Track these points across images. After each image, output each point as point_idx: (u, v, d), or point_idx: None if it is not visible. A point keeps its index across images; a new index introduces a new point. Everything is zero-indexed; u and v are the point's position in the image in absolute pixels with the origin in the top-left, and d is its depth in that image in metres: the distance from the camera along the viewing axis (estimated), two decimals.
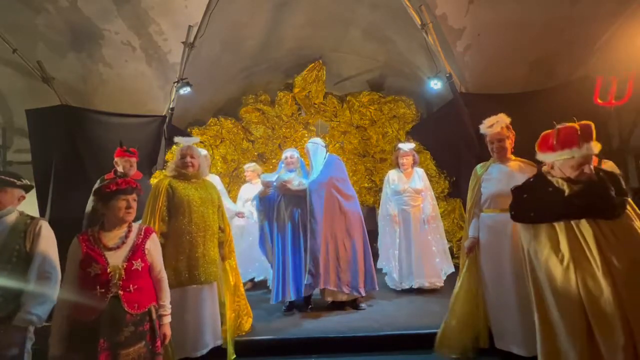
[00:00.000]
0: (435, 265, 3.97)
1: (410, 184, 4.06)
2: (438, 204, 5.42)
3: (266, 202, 3.59)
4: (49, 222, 3.74)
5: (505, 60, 4.32)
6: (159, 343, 1.84)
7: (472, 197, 2.73)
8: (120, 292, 1.75)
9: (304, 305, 3.52)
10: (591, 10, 3.87)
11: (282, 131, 6.08)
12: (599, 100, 3.56)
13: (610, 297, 1.65)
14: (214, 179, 3.97)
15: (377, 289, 3.58)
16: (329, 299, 3.45)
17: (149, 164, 4.88)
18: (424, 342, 2.76)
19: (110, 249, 1.80)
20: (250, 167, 4.86)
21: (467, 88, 4.58)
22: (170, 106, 4.76)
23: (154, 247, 1.94)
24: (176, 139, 2.97)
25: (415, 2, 4.05)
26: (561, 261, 1.78)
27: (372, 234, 4.02)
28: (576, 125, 1.85)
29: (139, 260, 1.83)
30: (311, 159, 3.64)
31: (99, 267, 1.74)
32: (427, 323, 3.02)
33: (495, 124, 2.63)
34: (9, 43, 3.91)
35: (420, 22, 4.10)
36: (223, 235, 2.82)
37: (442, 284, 3.96)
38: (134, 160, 3.57)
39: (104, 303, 1.72)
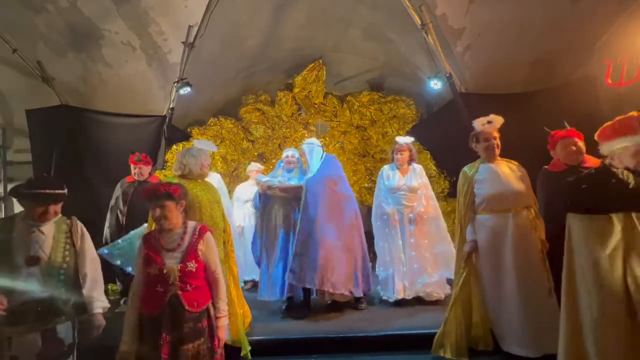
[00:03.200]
0: (431, 274, 3.51)
1: (406, 181, 3.66)
2: (438, 204, 5.44)
3: (265, 201, 3.59)
4: None
5: (505, 60, 4.31)
6: (216, 341, 1.90)
7: (465, 201, 2.68)
8: (179, 292, 1.83)
9: (304, 305, 3.51)
10: (591, 10, 3.87)
11: (282, 131, 6.08)
12: (610, 81, 3.57)
13: None
14: (215, 178, 3.98)
15: (372, 288, 3.57)
16: (328, 300, 3.44)
17: None
18: (424, 342, 2.76)
19: (168, 250, 1.89)
20: (256, 167, 4.84)
21: (467, 88, 4.58)
22: (170, 106, 4.76)
23: (207, 248, 1.96)
24: (198, 143, 3.05)
25: (415, 2, 4.05)
26: (610, 253, 1.72)
27: (370, 234, 3.93)
28: (635, 113, 1.79)
29: (193, 261, 1.88)
30: (308, 160, 3.62)
31: (157, 268, 1.84)
32: (427, 323, 3.01)
33: (494, 122, 2.63)
34: (9, 43, 3.91)
35: (420, 22, 4.10)
36: (225, 235, 2.84)
37: (442, 296, 3.49)
38: (140, 166, 3.80)
39: (164, 300, 1.82)
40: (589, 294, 1.75)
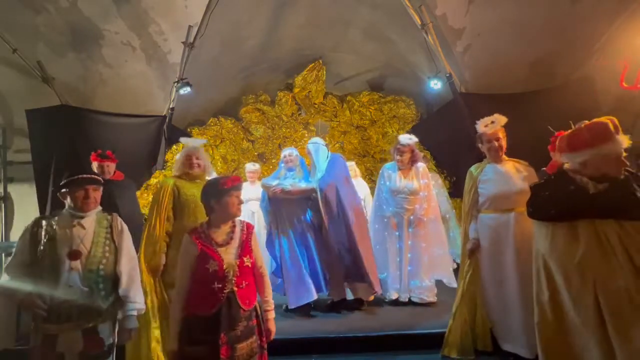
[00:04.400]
0: (423, 279, 3.47)
1: (407, 184, 3.51)
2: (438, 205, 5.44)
3: (275, 204, 3.56)
4: None
5: (505, 60, 4.31)
6: (264, 338, 1.90)
7: (469, 199, 2.70)
8: (235, 289, 1.79)
9: (304, 305, 3.51)
10: (591, 10, 3.87)
11: (282, 131, 6.08)
12: (625, 84, 3.57)
13: (630, 295, 1.61)
14: None
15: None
16: (329, 299, 3.45)
17: (149, 164, 4.88)
18: (425, 342, 2.77)
19: (220, 245, 1.84)
20: (254, 168, 4.84)
21: (467, 88, 4.58)
22: (170, 106, 4.76)
23: (255, 243, 1.95)
24: (182, 140, 3.00)
25: (415, 2, 4.05)
26: (576, 260, 1.73)
27: None
28: (605, 119, 1.77)
29: (248, 256, 1.86)
30: (313, 159, 3.61)
31: (215, 264, 1.78)
32: (427, 323, 3.03)
33: (496, 122, 2.63)
34: (9, 43, 3.91)
35: (420, 22, 4.10)
36: None
37: (435, 299, 3.46)
38: (107, 164, 3.38)
39: (221, 298, 1.76)
40: (563, 301, 1.78)
